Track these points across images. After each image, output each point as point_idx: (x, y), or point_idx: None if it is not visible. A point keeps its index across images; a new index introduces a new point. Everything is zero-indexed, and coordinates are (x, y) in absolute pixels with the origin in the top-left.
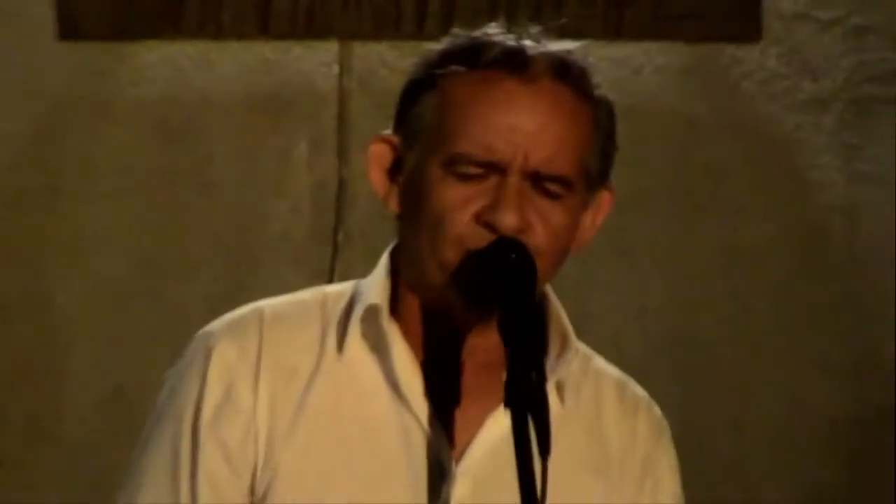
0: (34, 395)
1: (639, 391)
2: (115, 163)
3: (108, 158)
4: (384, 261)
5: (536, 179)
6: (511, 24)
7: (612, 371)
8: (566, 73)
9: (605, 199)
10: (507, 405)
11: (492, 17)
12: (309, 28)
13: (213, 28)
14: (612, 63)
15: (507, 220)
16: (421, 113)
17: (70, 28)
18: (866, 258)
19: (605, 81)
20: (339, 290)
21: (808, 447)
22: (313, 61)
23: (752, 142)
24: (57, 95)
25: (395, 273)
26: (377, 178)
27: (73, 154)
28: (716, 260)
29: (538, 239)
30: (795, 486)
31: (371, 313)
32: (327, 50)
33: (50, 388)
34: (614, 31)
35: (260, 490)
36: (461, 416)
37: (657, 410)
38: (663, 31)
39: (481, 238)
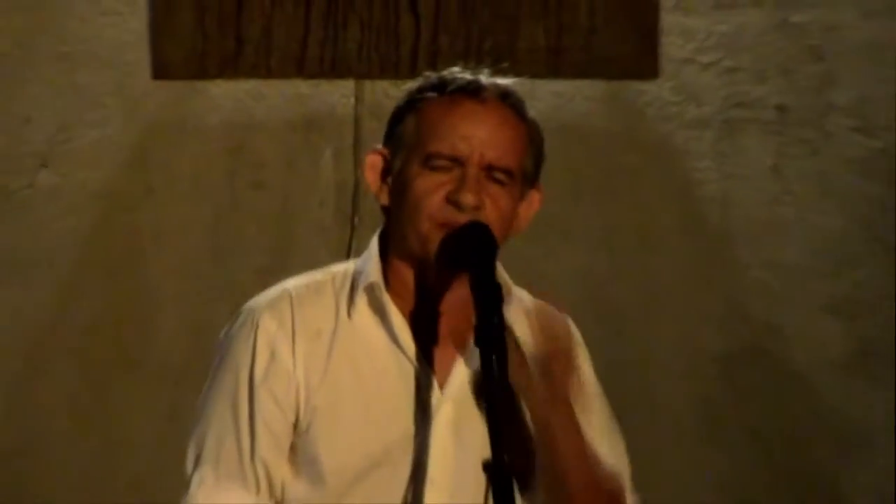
0: (130, 337)
1: (560, 316)
2: (192, 171)
3: (188, 168)
4: (374, 244)
5: (489, 170)
6: (470, 67)
7: (540, 304)
8: (508, 97)
9: (535, 197)
10: (477, 344)
11: (465, 62)
12: (333, 70)
13: (263, 70)
14: (552, 94)
15: (467, 199)
16: (403, 129)
17: (161, 70)
18: (735, 236)
19: (546, 107)
20: (342, 269)
21: (700, 375)
22: (336, 94)
23: (653, 152)
24: (150, 121)
25: (383, 253)
26: (372, 180)
27: (162, 165)
28: (631, 238)
29: (489, 215)
30: (693, 402)
31: (371, 288)
32: (346, 86)
33: (141, 333)
34: (553, 71)
35: (304, 425)
36: (444, 357)
37: (574, 328)
38: (589, 72)
39: (449, 213)
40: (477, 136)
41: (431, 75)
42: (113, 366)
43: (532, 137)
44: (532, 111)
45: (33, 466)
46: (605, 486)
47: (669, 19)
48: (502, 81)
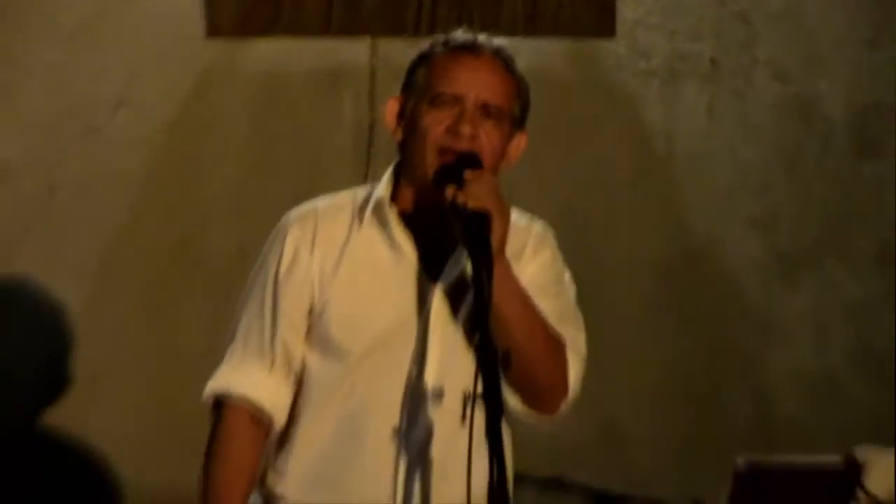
0: (187, 250)
1: (544, 228)
2: (240, 112)
3: (236, 109)
4: (389, 171)
5: (484, 108)
6: (469, 29)
7: (527, 219)
8: (500, 53)
9: (522, 138)
10: (467, 247)
11: (460, 25)
12: (353, 30)
13: (296, 29)
14: (529, 50)
15: (465, 128)
16: (416, 78)
17: (213, 29)
18: (677, 164)
19: (525, 61)
20: (363, 191)
21: (647, 275)
22: (356, 49)
23: (611, 97)
24: (206, 70)
25: (396, 177)
26: (389, 121)
27: (216, 107)
28: (592, 164)
29: (483, 145)
30: (640, 296)
31: (379, 203)
32: (363, 43)
33: (198, 245)
34: (530, 32)
35: (318, 311)
36: (436, 258)
37: (552, 238)
38: (558, 32)
39: (450, 140)
40: (474, 80)
41: (440, 37)
42: (173, 272)
43: (519, 88)
44: (520, 69)
45: (102, 391)
46: (548, 334)
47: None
48: (495, 40)
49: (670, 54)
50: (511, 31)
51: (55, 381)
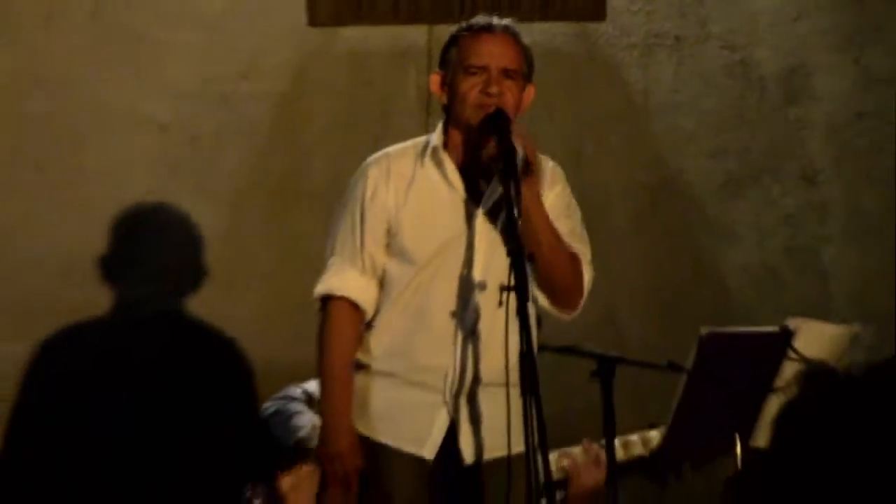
0: (295, 181)
1: (555, 165)
2: (333, 81)
3: (331, 79)
4: (439, 125)
5: (504, 72)
6: (487, 14)
7: (544, 158)
8: (509, 29)
9: (531, 89)
10: (501, 179)
11: (489, 12)
12: (415, 18)
13: (373, 19)
14: (539, 31)
15: (493, 89)
16: (449, 56)
17: (313, 20)
18: (652, 112)
19: (536, 39)
20: (423, 139)
21: (635, 197)
22: (417, 33)
23: (602, 66)
24: (309, 51)
25: (445, 130)
26: (435, 88)
27: (317, 78)
28: (588, 115)
29: (507, 99)
30: (630, 214)
31: (434, 149)
32: (423, 28)
33: (302, 177)
34: (542, 16)
35: (394, 229)
36: (477, 186)
37: (562, 173)
38: (563, 16)
39: (483, 99)
40: (493, 53)
41: (463, 22)
42: (287, 197)
43: (526, 53)
44: (525, 39)
45: (238, 290)
46: (567, 249)
47: None
48: (504, 20)
49: (646, 32)
50: (530, 18)
51: (200, 282)
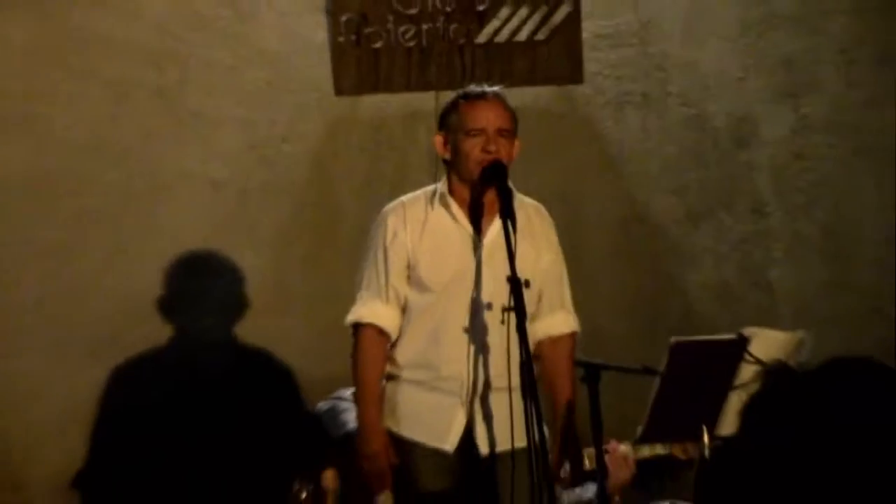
0: (331, 232)
1: (539, 205)
2: (355, 140)
3: (354, 138)
4: (444, 177)
5: (498, 131)
6: (481, 83)
7: (529, 200)
8: (499, 96)
9: (517, 143)
10: (501, 217)
11: (484, 78)
12: (424, 86)
13: (390, 88)
14: (530, 94)
15: (492, 147)
16: (449, 119)
17: (339, 90)
18: (626, 161)
19: (525, 100)
20: (431, 188)
21: (605, 239)
22: (426, 99)
23: (580, 121)
24: (336, 115)
25: (449, 180)
26: (438, 148)
27: (343, 137)
28: (569, 166)
29: (502, 154)
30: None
31: (442, 194)
32: (431, 95)
33: (336, 228)
34: (529, 82)
35: (413, 264)
36: (482, 226)
37: (546, 212)
38: (548, 81)
39: (484, 156)
40: (489, 116)
41: (460, 91)
42: (323, 242)
43: (513, 113)
44: (512, 102)
45: (285, 319)
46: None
47: (588, 55)
48: (493, 88)
49: (617, 92)
50: (519, 82)
51: (249, 314)
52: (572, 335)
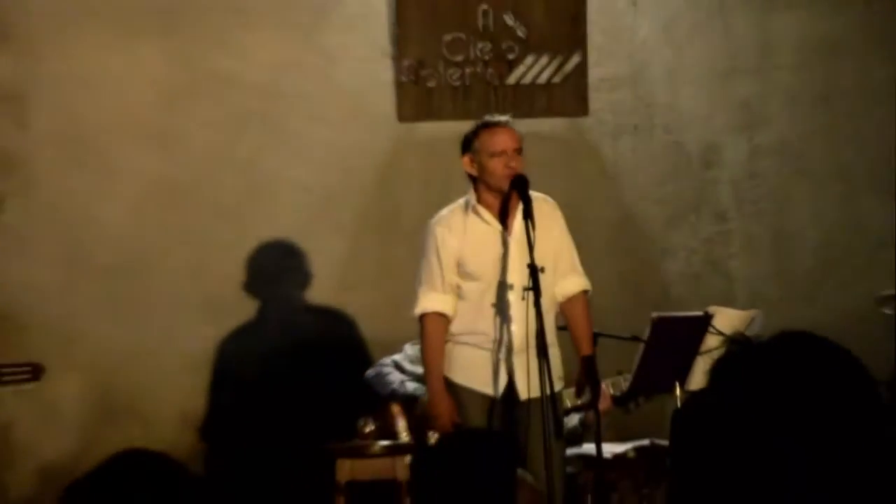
0: (393, 233)
1: (546, 196)
2: (413, 162)
3: (412, 161)
4: (471, 190)
5: (515, 151)
6: (498, 112)
7: (538, 193)
8: (510, 124)
9: (522, 160)
10: (524, 217)
11: (509, 111)
12: (466, 115)
13: (441, 116)
14: (548, 124)
15: (513, 164)
16: (474, 143)
17: (401, 118)
18: (620, 179)
19: (542, 130)
20: (461, 201)
21: (602, 238)
22: (468, 125)
23: (585, 148)
24: (397, 138)
25: (476, 192)
26: (467, 166)
27: (401, 158)
28: (575, 184)
29: (520, 168)
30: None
31: (473, 204)
32: (470, 122)
33: (396, 230)
34: (546, 114)
35: (461, 261)
36: (508, 224)
37: (552, 200)
38: (562, 114)
39: (509, 170)
40: (507, 140)
41: (481, 120)
42: (386, 242)
43: (520, 136)
44: (532, 129)
45: (351, 304)
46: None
47: (592, 95)
48: (505, 116)
49: (615, 124)
50: (539, 115)
51: (330, 288)
52: (584, 293)
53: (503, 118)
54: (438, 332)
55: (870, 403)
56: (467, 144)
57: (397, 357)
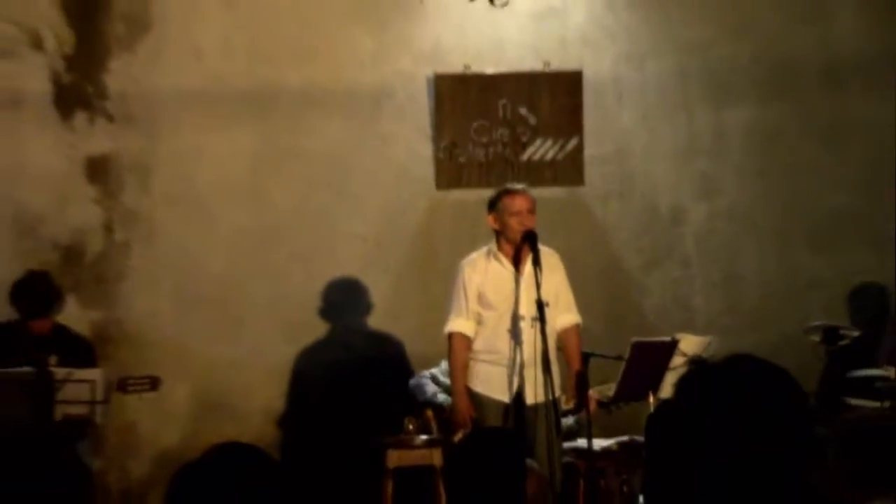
0: (430, 271)
1: (552, 250)
2: (444, 218)
3: (445, 217)
4: (494, 240)
5: (529, 210)
6: (516, 182)
7: (546, 248)
8: (527, 191)
9: (535, 218)
10: (533, 263)
11: (521, 180)
12: (488, 184)
13: (470, 184)
14: (552, 191)
15: (528, 222)
16: (497, 206)
17: (440, 185)
18: (607, 229)
19: (547, 196)
20: (485, 249)
21: (589, 274)
22: (490, 191)
23: (580, 205)
24: (435, 202)
25: (497, 242)
26: (491, 223)
27: (437, 216)
28: (573, 235)
29: (532, 224)
30: None
31: (494, 251)
32: (492, 189)
33: (434, 268)
34: (551, 183)
35: (482, 294)
36: (521, 268)
37: (556, 253)
38: (565, 183)
39: (523, 227)
40: (522, 203)
41: (503, 187)
42: (425, 278)
43: (533, 200)
44: (539, 195)
45: (397, 321)
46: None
47: (587, 168)
48: (523, 186)
49: (604, 190)
50: (546, 184)
51: (381, 315)
52: (576, 326)
53: (520, 186)
54: (462, 349)
55: (801, 410)
56: (492, 205)
57: (434, 370)
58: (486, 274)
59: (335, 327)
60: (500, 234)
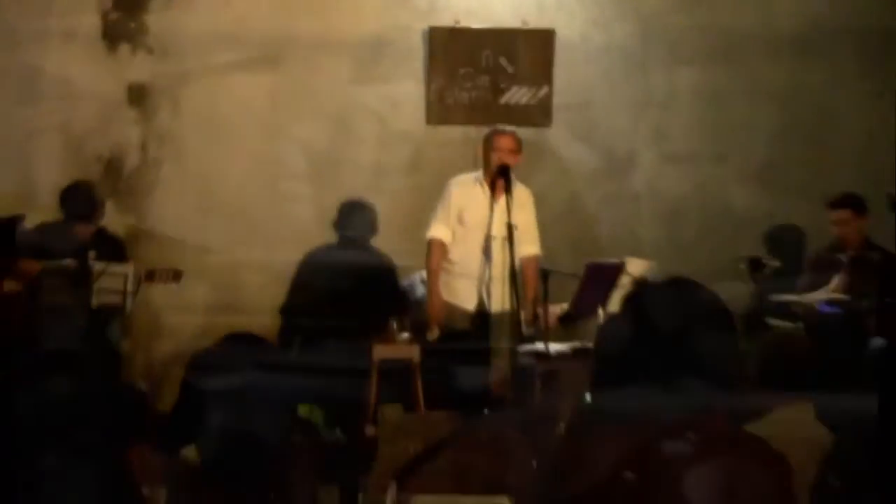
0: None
1: (525, 187)
2: (432, 155)
3: (433, 153)
4: (481, 169)
5: (510, 151)
6: (498, 122)
7: (520, 184)
8: (511, 132)
9: (520, 156)
10: (505, 191)
11: (503, 121)
12: (471, 122)
13: (452, 121)
14: (525, 131)
15: (508, 160)
16: (485, 144)
17: (430, 120)
18: (575, 176)
19: (523, 134)
20: (474, 174)
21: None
22: (473, 129)
23: (548, 147)
24: (425, 136)
25: (484, 171)
26: (479, 153)
27: (425, 156)
28: (545, 177)
29: (510, 162)
30: None
31: (480, 179)
32: (473, 128)
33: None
34: (525, 124)
35: (460, 212)
36: (496, 192)
37: (528, 189)
38: (534, 124)
39: (499, 163)
40: (507, 144)
41: (492, 128)
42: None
43: (518, 140)
44: (521, 134)
45: None
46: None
47: (555, 114)
48: (511, 128)
49: (568, 134)
50: (521, 124)
51: (367, 230)
52: (536, 257)
53: (510, 129)
54: (438, 254)
55: (728, 327)
56: (485, 140)
57: (423, 273)
58: (468, 195)
59: (342, 240)
60: (485, 165)
